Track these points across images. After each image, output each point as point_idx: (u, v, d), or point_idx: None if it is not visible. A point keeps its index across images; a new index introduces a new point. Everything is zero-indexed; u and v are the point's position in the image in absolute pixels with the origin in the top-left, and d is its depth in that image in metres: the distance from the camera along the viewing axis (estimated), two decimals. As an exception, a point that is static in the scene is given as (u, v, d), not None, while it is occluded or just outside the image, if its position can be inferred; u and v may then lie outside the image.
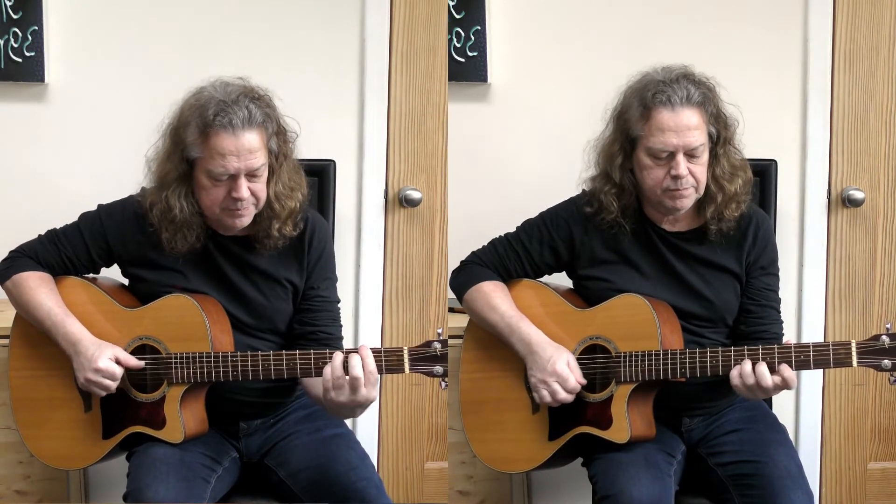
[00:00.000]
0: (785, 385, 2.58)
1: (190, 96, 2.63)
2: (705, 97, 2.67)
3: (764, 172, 3.03)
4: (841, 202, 3.39)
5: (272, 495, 2.76)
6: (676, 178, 2.65)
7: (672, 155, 2.65)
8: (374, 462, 3.30)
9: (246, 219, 2.63)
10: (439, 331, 2.57)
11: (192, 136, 2.57)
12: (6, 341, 2.88)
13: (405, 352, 2.54)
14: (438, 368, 2.54)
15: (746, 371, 2.59)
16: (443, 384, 2.57)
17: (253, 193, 2.60)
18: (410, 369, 2.54)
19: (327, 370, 2.55)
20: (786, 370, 2.57)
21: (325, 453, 2.70)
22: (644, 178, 2.71)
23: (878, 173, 3.41)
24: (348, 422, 3.04)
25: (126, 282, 2.80)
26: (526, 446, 2.79)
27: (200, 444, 2.67)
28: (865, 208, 3.40)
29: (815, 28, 3.36)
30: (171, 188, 2.63)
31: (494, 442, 2.85)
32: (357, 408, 2.58)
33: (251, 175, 2.58)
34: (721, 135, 2.70)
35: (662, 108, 2.64)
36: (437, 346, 2.53)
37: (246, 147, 2.56)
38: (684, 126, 2.64)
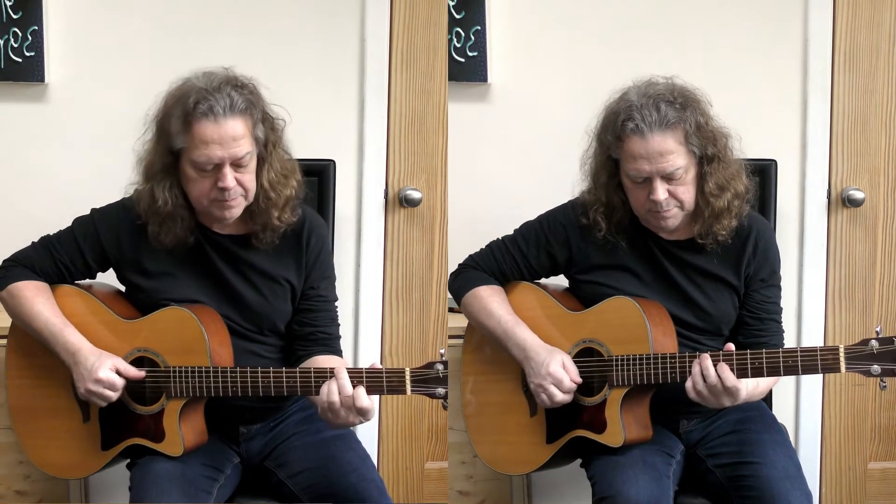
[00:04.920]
0: (727, 390, 2.53)
1: (173, 87, 2.61)
2: (680, 118, 2.60)
3: (764, 172, 3.03)
4: (841, 202, 3.39)
5: (273, 497, 2.76)
6: (656, 202, 2.63)
7: (649, 180, 2.62)
8: (375, 462, 3.30)
9: (236, 210, 2.60)
10: (441, 351, 2.54)
11: (175, 126, 2.55)
12: (6, 341, 2.87)
13: (407, 373, 2.51)
14: (440, 390, 2.51)
15: (696, 375, 2.56)
16: (444, 405, 2.54)
17: (240, 184, 2.57)
18: (412, 391, 2.51)
19: (324, 392, 2.53)
20: (723, 371, 2.53)
21: (325, 454, 2.70)
22: (629, 197, 2.70)
23: (878, 173, 3.41)
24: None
25: (122, 288, 2.78)
26: (525, 449, 2.79)
27: (201, 455, 2.66)
28: (865, 208, 3.40)
29: (815, 28, 3.36)
30: (157, 180, 2.60)
31: (495, 444, 2.85)
32: (350, 426, 2.58)
33: (236, 164, 2.55)
34: (708, 152, 2.64)
35: (633, 135, 2.60)
36: (440, 367, 2.50)
37: (229, 134, 2.53)
38: (656, 153, 2.60)
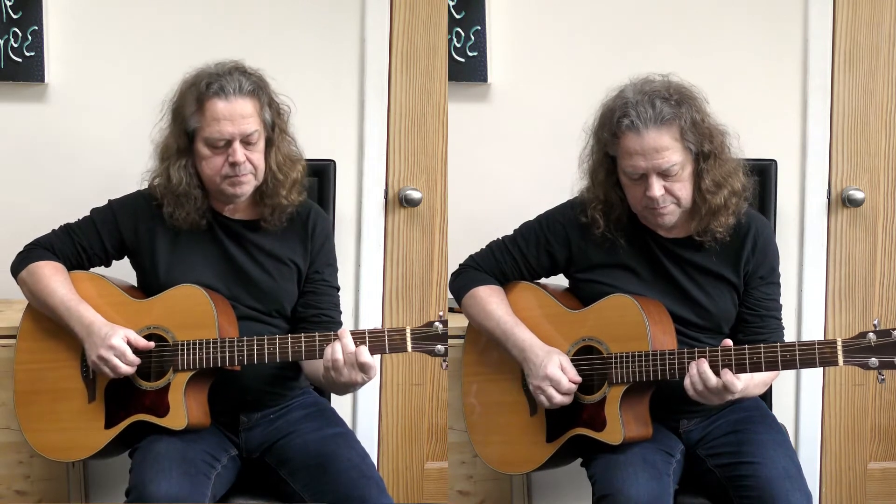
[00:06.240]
0: (727, 389, 2.54)
1: (187, 75, 2.76)
2: (675, 114, 2.61)
3: (764, 172, 3.03)
4: (841, 202, 3.39)
5: (272, 494, 2.77)
6: (652, 198, 2.64)
7: (645, 176, 2.63)
8: (374, 462, 3.30)
9: (247, 186, 2.72)
10: (440, 313, 2.60)
11: (189, 108, 2.70)
12: (6, 341, 2.89)
13: (408, 331, 2.58)
14: (440, 347, 2.58)
15: (694, 376, 2.57)
16: (444, 364, 2.61)
17: (250, 161, 2.71)
18: (413, 348, 2.58)
19: (328, 351, 2.60)
20: (726, 374, 2.54)
21: (325, 452, 2.71)
22: (626, 194, 2.70)
23: (878, 173, 3.41)
24: (348, 421, 3.04)
25: (135, 283, 2.84)
26: (526, 448, 2.79)
27: (201, 441, 2.69)
28: (865, 208, 3.40)
29: (815, 28, 3.36)
30: (172, 160, 2.74)
31: (496, 444, 2.85)
32: (354, 384, 2.63)
33: (246, 142, 2.69)
34: (704, 149, 2.64)
35: (629, 131, 2.61)
36: (439, 325, 2.58)
37: (238, 112, 2.68)
38: (651, 149, 2.60)
